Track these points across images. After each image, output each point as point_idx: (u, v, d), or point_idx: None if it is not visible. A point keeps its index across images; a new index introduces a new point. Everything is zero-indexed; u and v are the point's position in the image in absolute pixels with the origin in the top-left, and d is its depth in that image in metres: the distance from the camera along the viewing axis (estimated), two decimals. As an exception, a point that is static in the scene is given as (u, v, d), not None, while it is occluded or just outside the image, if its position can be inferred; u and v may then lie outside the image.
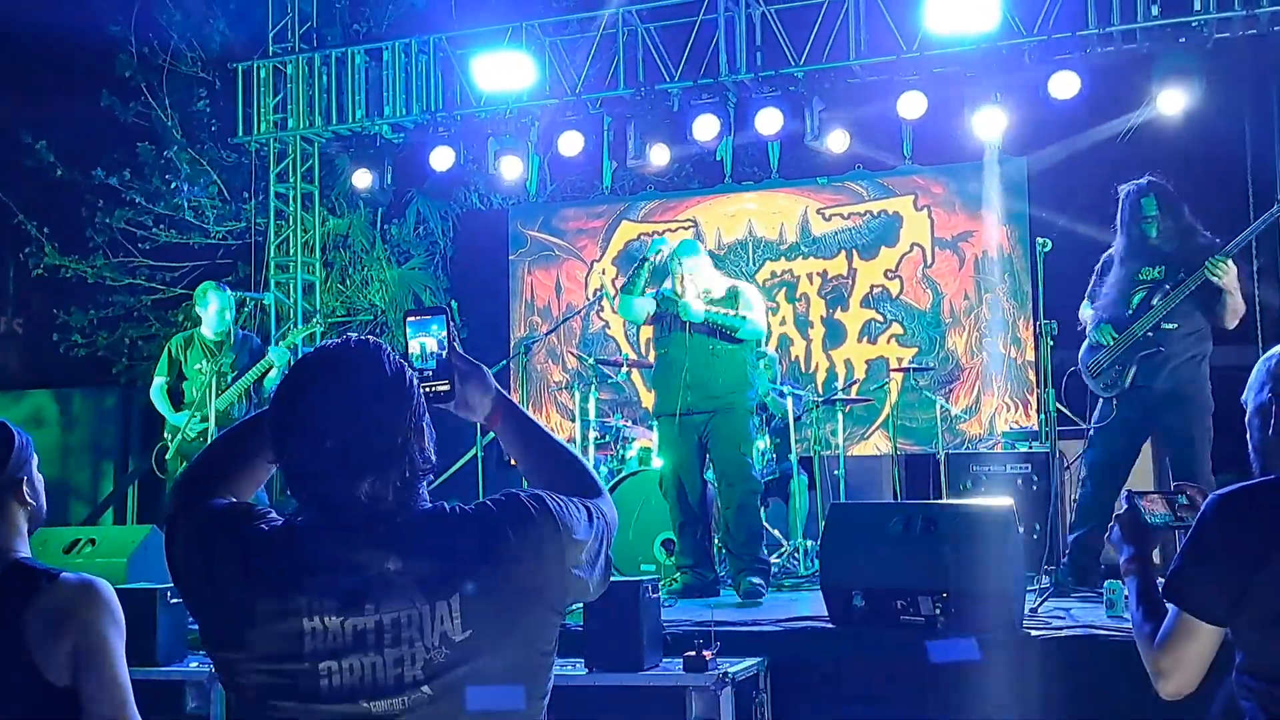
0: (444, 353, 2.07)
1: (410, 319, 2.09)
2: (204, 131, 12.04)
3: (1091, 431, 6.14)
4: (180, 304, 12.33)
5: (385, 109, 10.07)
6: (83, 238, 12.21)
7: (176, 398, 7.67)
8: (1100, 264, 6.24)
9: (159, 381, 7.68)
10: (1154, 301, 6.06)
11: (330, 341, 1.96)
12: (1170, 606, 2.40)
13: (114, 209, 11.99)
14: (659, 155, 9.23)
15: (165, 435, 7.71)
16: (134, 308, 12.34)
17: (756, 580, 6.39)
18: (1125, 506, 2.64)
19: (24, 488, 2.54)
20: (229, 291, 7.81)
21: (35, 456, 2.60)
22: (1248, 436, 2.53)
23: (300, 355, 8.11)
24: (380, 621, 1.78)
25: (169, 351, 7.73)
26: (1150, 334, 6.06)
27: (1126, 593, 2.62)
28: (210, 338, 7.66)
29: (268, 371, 7.57)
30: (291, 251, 10.59)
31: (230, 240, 12.16)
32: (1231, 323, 6.09)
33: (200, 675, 5.21)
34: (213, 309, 7.67)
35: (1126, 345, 6.06)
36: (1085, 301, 6.51)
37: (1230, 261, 5.91)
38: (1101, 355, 6.14)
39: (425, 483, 1.91)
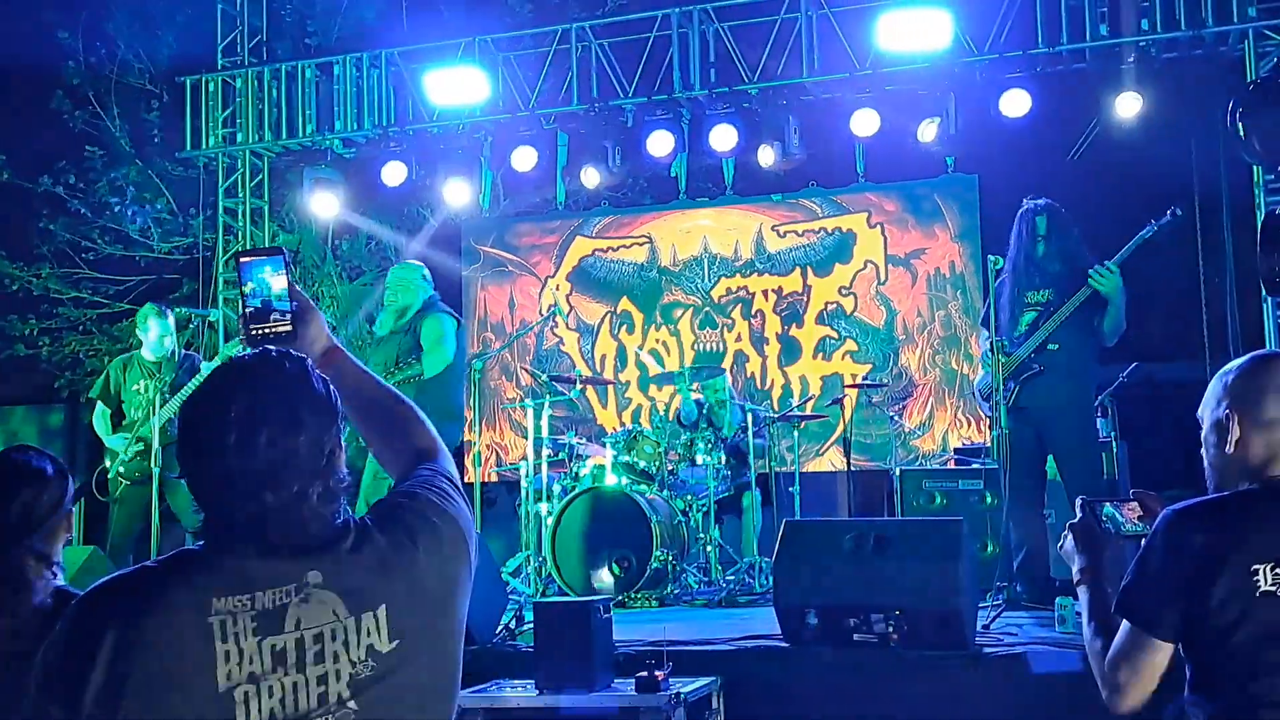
0: (284, 293, 2.02)
1: (244, 259, 2.03)
2: (151, 145, 11.91)
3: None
4: (125, 318, 12.19)
5: (336, 124, 9.98)
6: (28, 247, 12.04)
7: (118, 419, 7.55)
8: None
9: (99, 406, 7.58)
10: (1040, 323, 6.17)
11: (246, 353, 1.90)
12: (1123, 621, 2.39)
13: (59, 217, 11.84)
14: (611, 171, 9.22)
15: (105, 459, 7.58)
16: (79, 321, 12.16)
17: None
18: (1080, 515, 2.63)
19: (69, 520, 2.61)
20: (170, 316, 7.68)
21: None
22: (1203, 452, 2.52)
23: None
24: (301, 639, 1.71)
25: (108, 375, 7.62)
26: (1034, 355, 6.18)
27: (1078, 606, 2.60)
28: (150, 360, 7.54)
29: None
30: (241, 267, 10.46)
31: (178, 255, 12.02)
32: (1113, 338, 6.21)
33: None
34: (153, 334, 7.54)
35: (1013, 367, 6.15)
36: (983, 334, 6.61)
37: (1114, 269, 6.00)
38: (990, 378, 6.24)
39: (344, 496, 1.86)
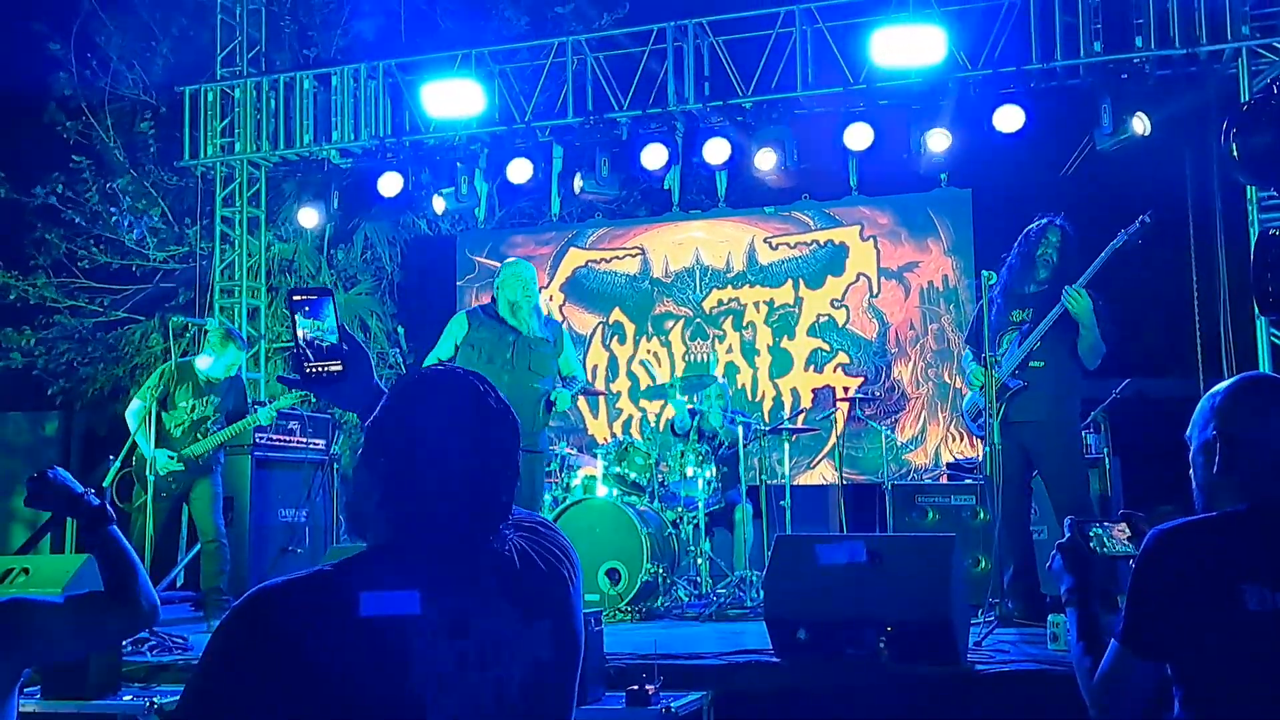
0: (335, 335, 2.08)
1: (297, 297, 2.09)
2: (145, 155, 11.91)
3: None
4: (119, 327, 12.17)
5: (334, 134, 10.02)
6: (23, 257, 12.04)
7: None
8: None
9: (139, 405, 7.39)
10: (1022, 342, 6.23)
11: (431, 370, 1.96)
12: (1110, 641, 2.40)
13: (54, 228, 11.84)
14: (607, 182, 9.27)
15: (132, 463, 7.47)
16: (74, 330, 12.16)
17: None
18: (1067, 535, 2.63)
19: None
20: (244, 347, 7.76)
21: None
22: (1191, 473, 2.53)
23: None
24: (484, 643, 1.78)
25: (162, 375, 7.47)
26: (1017, 372, 6.23)
27: (1067, 624, 2.61)
28: (203, 377, 7.48)
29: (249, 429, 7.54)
30: (236, 276, 10.49)
31: (174, 264, 12.02)
32: (1091, 360, 6.22)
33: (135, 709, 5.09)
34: (224, 360, 7.49)
35: (998, 386, 6.17)
36: (967, 348, 6.65)
37: (1083, 292, 6.04)
38: (977, 397, 6.26)
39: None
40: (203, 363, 7.49)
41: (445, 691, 1.75)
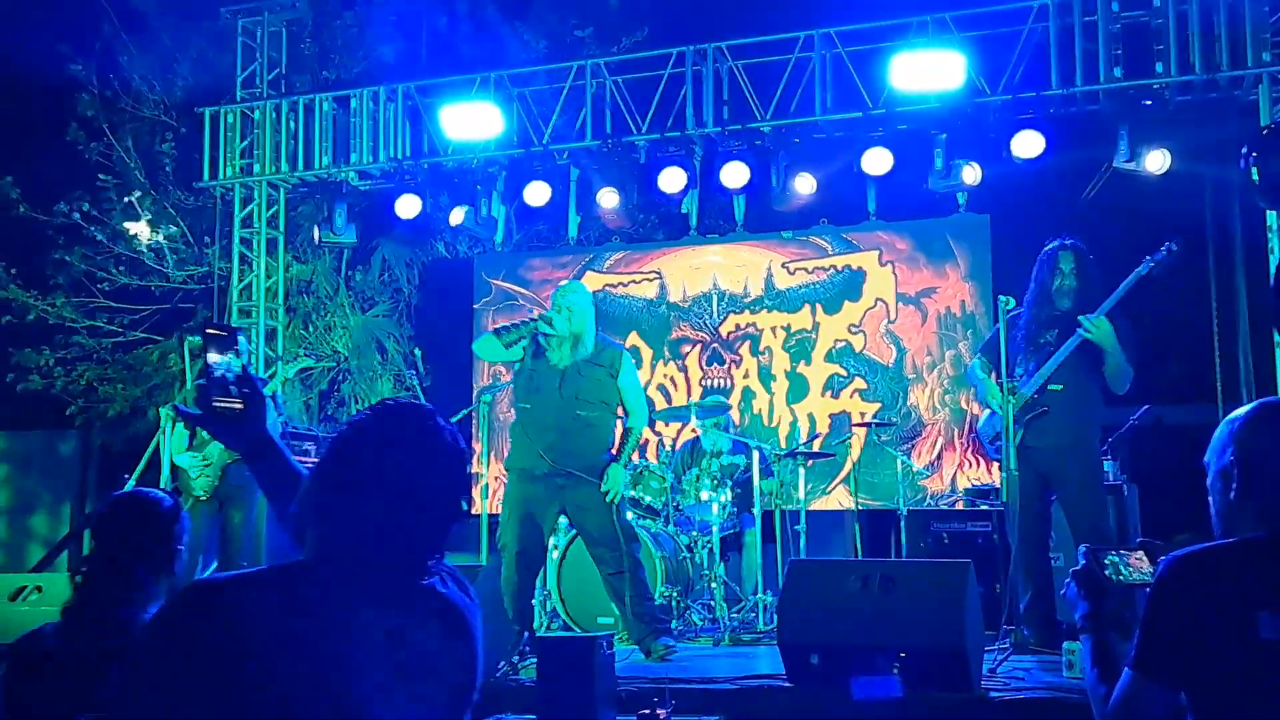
0: (240, 374, 2.15)
1: (211, 332, 2.15)
2: (163, 175, 11.98)
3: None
4: (138, 347, 12.22)
5: (352, 156, 10.05)
6: (43, 276, 12.11)
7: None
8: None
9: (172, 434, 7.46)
10: (1041, 364, 6.16)
11: (401, 402, 2.04)
12: (1124, 668, 2.38)
13: (74, 247, 11.91)
14: (623, 205, 9.26)
15: (163, 477, 7.50)
16: (93, 350, 12.21)
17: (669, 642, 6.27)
18: (1082, 562, 2.61)
19: (177, 560, 2.77)
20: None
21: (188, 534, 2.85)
22: (1209, 499, 2.50)
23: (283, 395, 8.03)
24: (423, 656, 1.86)
25: (169, 418, 7.56)
26: (1037, 396, 6.17)
27: (1082, 651, 2.59)
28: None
29: None
30: (254, 297, 10.52)
31: (192, 284, 12.07)
32: (1120, 385, 6.16)
33: None
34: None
35: (1018, 408, 6.12)
36: (976, 357, 6.59)
37: (1103, 320, 5.98)
38: (995, 420, 6.20)
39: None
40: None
41: (382, 699, 1.79)
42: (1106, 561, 2.60)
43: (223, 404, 2.13)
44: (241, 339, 2.19)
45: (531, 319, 6.46)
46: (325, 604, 1.80)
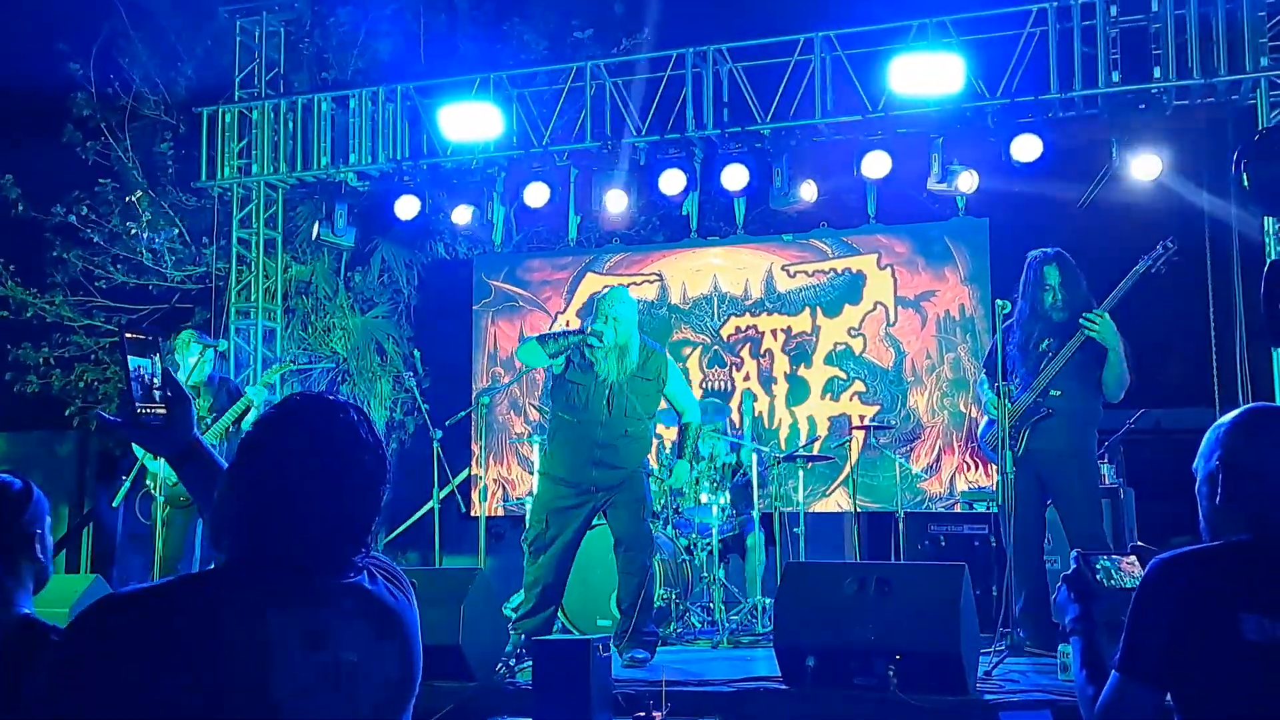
0: (160, 379, 2.09)
1: (130, 336, 2.09)
2: (164, 175, 11.98)
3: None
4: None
5: (351, 156, 10.05)
6: (41, 275, 12.10)
7: None
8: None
9: None
10: (1041, 369, 6.17)
11: (309, 395, 1.99)
12: (1111, 670, 2.40)
13: (72, 248, 11.90)
14: (624, 207, 9.27)
15: (147, 482, 7.48)
16: (90, 350, 12.21)
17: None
18: (1073, 567, 2.64)
19: (35, 544, 2.53)
20: (209, 342, 7.76)
21: (49, 516, 2.61)
22: (1198, 505, 2.52)
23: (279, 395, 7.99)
24: (339, 658, 1.82)
25: None
26: (1039, 400, 6.19)
27: (1072, 654, 2.61)
28: (187, 384, 7.55)
29: (246, 411, 7.49)
30: (253, 297, 10.52)
31: (190, 285, 12.07)
32: (1117, 391, 6.17)
33: None
34: (195, 358, 7.58)
35: (1019, 414, 6.14)
36: (981, 372, 6.61)
37: (1106, 315, 6.00)
38: (998, 428, 6.22)
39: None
40: (180, 375, 7.53)
41: (302, 704, 1.77)
42: (1098, 566, 2.62)
43: (146, 409, 2.07)
44: (159, 343, 2.13)
45: (580, 332, 6.40)
46: (239, 608, 1.77)
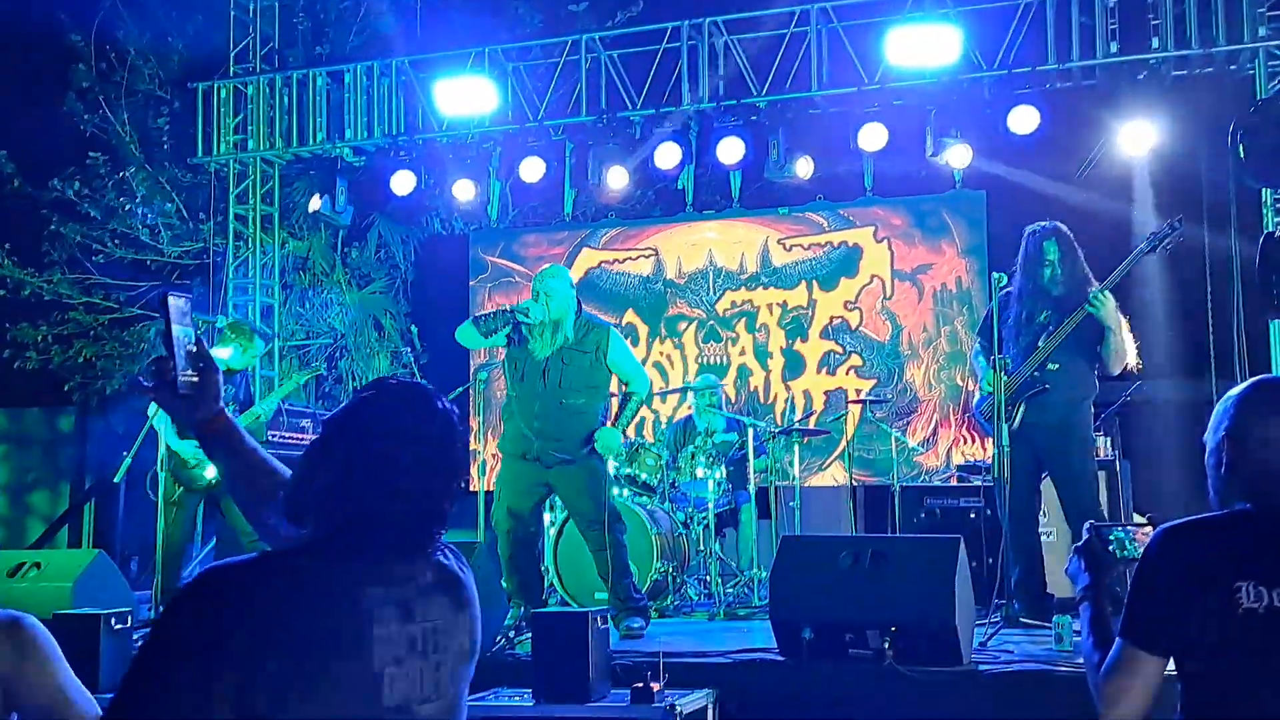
0: (194, 344, 2.06)
1: (174, 300, 2.04)
2: (160, 150, 11.94)
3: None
4: (135, 323, 12.21)
5: (347, 132, 10.03)
6: (38, 253, 12.08)
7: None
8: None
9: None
10: (1040, 343, 6.17)
11: (404, 380, 2.06)
12: (1117, 636, 2.45)
13: (69, 223, 11.88)
14: (619, 181, 9.25)
15: (163, 464, 7.40)
16: (90, 326, 12.20)
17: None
18: (1086, 537, 2.69)
19: None
20: (206, 319, 7.76)
21: None
22: (1208, 475, 2.57)
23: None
24: (426, 629, 1.91)
25: None
26: (1036, 374, 6.18)
27: (1078, 621, 2.67)
28: (222, 365, 7.49)
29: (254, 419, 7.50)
30: (250, 273, 10.51)
31: (188, 260, 12.06)
32: (1115, 366, 6.18)
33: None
34: (252, 351, 7.60)
35: (1015, 387, 6.15)
36: (976, 341, 6.61)
37: (1109, 295, 6.00)
38: (992, 400, 6.23)
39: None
40: (222, 353, 7.48)
41: (398, 673, 1.85)
42: (1111, 537, 2.68)
43: (186, 376, 2.04)
44: (192, 308, 2.09)
45: (508, 308, 6.44)
46: (340, 582, 1.84)
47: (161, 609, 1.80)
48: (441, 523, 2.01)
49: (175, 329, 2.03)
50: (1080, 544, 2.69)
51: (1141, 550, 2.61)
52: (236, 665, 1.72)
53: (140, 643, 1.78)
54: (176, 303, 2.04)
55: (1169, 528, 2.44)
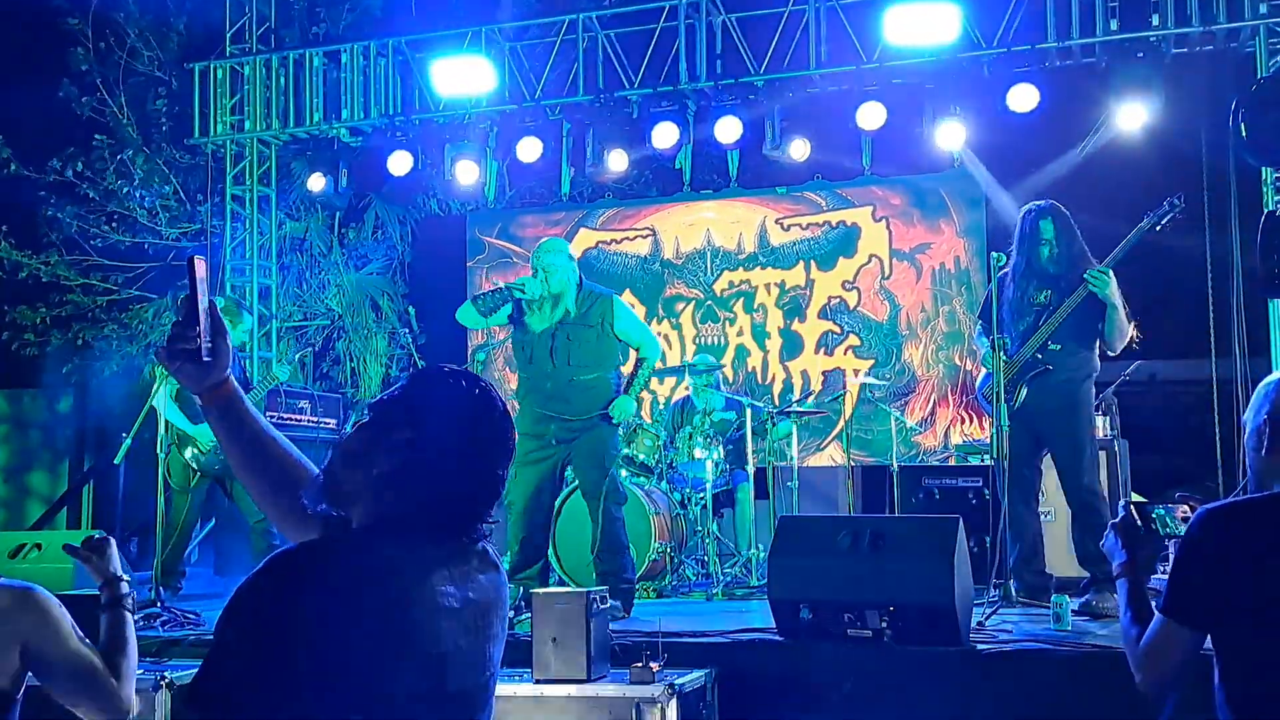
0: (209, 311, 2.04)
1: (199, 262, 2.03)
2: (158, 132, 11.90)
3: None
4: (134, 305, 12.19)
5: (343, 112, 9.99)
6: (36, 235, 12.05)
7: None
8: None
9: (164, 388, 7.10)
10: (1040, 324, 6.15)
11: (456, 369, 2.06)
12: (1156, 612, 2.54)
13: (66, 205, 11.84)
14: (617, 161, 9.21)
15: (173, 444, 7.34)
16: (88, 308, 12.18)
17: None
18: (1122, 514, 2.79)
19: None
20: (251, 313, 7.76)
21: None
22: (1246, 457, 2.65)
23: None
24: (478, 610, 1.92)
25: None
26: (1038, 355, 6.17)
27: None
28: None
29: None
30: (247, 254, 10.49)
31: (185, 242, 12.02)
32: (1118, 344, 6.17)
33: (145, 682, 5.10)
34: (241, 328, 7.61)
35: (1017, 368, 6.14)
36: (978, 324, 6.59)
37: (1110, 273, 5.98)
38: (993, 378, 6.22)
39: None
40: None
41: (457, 656, 1.87)
42: (1154, 515, 2.79)
43: (205, 343, 2.03)
44: (207, 276, 2.06)
45: (505, 286, 6.41)
46: (411, 566, 1.86)
47: (241, 589, 1.79)
48: (489, 509, 2.03)
49: (201, 293, 2.01)
50: (1117, 520, 2.79)
51: (1183, 527, 2.69)
52: (318, 645, 1.72)
53: (218, 624, 1.77)
54: (201, 266, 2.03)
55: (1211, 509, 2.52)
